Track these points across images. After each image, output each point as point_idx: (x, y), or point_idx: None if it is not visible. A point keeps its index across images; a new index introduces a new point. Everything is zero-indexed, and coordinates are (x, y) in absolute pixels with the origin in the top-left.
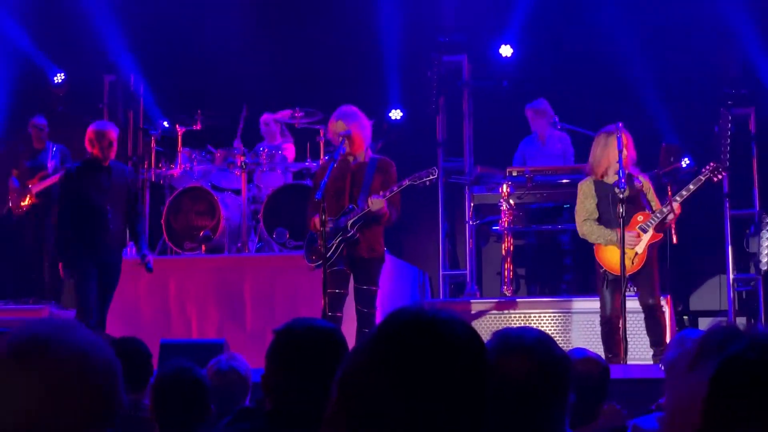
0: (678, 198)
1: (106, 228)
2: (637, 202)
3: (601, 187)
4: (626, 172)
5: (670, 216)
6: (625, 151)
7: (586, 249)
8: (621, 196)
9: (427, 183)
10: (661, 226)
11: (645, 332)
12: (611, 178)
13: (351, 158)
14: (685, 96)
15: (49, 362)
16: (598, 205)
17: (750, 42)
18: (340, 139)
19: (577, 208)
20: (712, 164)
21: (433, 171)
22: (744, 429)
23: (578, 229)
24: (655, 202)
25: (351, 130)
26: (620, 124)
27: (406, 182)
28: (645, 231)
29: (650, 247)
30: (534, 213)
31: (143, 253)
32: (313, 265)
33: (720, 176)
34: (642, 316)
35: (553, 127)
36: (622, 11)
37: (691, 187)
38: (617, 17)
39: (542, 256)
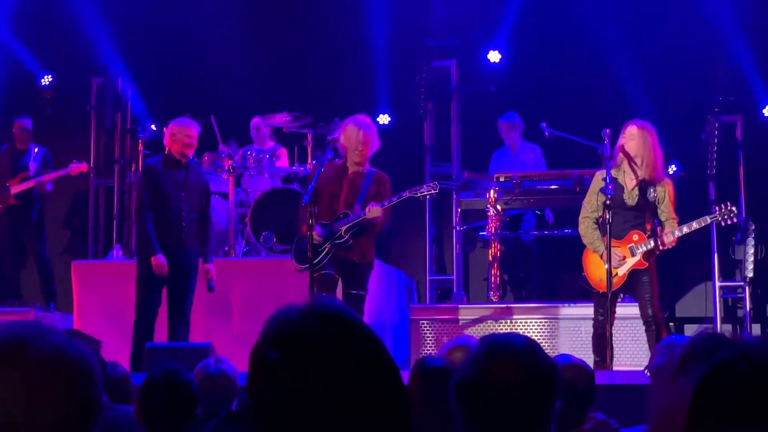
0: (678, 233)
1: (180, 228)
2: (641, 214)
3: (614, 184)
4: (640, 176)
5: (661, 246)
6: (631, 143)
7: (574, 255)
8: (607, 202)
9: (427, 196)
10: (650, 254)
11: (631, 340)
12: (626, 181)
13: (353, 166)
14: (673, 103)
15: (26, 362)
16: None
17: (737, 49)
18: (330, 144)
19: (585, 199)
20: (726, 205)
21: (435, 186)
22: None
23: (579, 224)
24: (667, 213)
25: (365, 134)
26: (608, 131)
27: (406, 194)
28: (633, 254)
29: (647, 255)
30: (521, 218)
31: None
32: (301, 266)
33: (732, 221)
34: (628, 323)
35: (542, 133)
36: (611, 18)
37: (695, 225)
38: (605, 24)
39: (528, 262)
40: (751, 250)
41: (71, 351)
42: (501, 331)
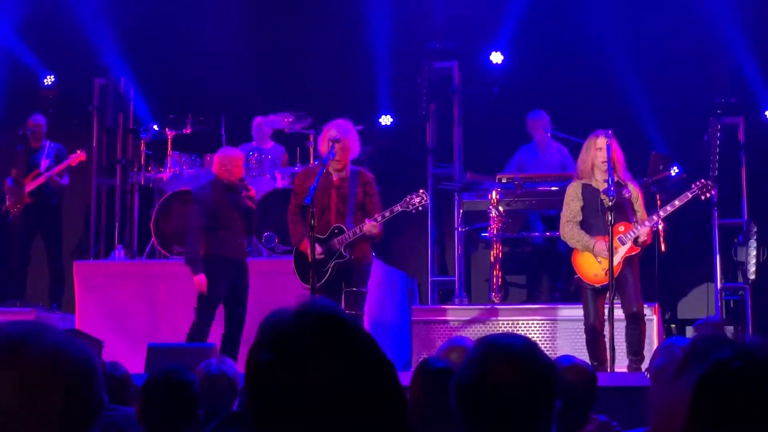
0: (662, 213)
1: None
2: (622, 212)
3: (588, 190)
4: (615, 178)
5: (643, 237)
6: (602, 152)
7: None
8: (610, 204)
9: (420, 208)
10: (638, 241)
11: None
12: (600, 183)
13: (336, 172)
14: (675, 105)
15: (26, 362)
16: (583, 209)
17: (739, 51)
18: (330, 143)
19: (563, 209)
20: (701, 181)
21: (425, 195)
22: None
23: (560, 230)
24: (641, 213)
25: (344, 139)
26: (610, 132)
27: (398, 208)
28: (623, 243)
29: (631, 257)
30: (523, 220)
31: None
32: (309, 286)
33: (709, 194)
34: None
35: (544, 135)
36: (613, 19)
37: (677, 203)
38: (608, 25)
39: (531, 263)
40: (753, 252)
41: (71, 351)
42: (500, 332)
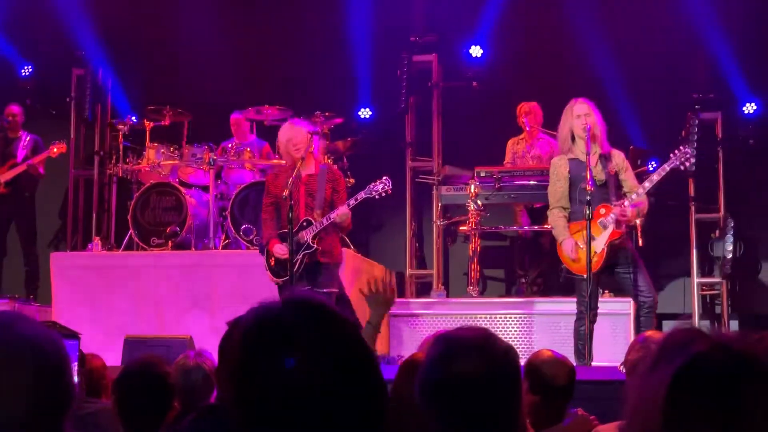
0: (641, 190)
1: None
2: (607, 188)
3: (575, 166)
4: (596, 148)
5: (622, 218)
6: (592, 117)
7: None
8: (588, 197)
9: (383, 194)
10: (621, 223)
11: (611, 335)
12: (583, 155)
13: (304, 170)
14: (653, 100)
15: None
16: (570, 187)
17: (717, 47)
18: (311, 136)
19: (550, 187)
20: (680, 148)
21: (388, 182)
22: (703, 429)
23: (549, 212)
24: (628, 183)
25: (312, 140)
26: (585, 108)
27: (362, 195)
28: (605, 227)
29: (619, 224)
30: (505, 212)
31: None
32: (279, 280)
33: (688, 163)
34: (608, 319)
35: (521, 128)
36: (592, 14)
37: (655, 177)
38: (586, 20)
39: (510, 257)
40: (730, 247)
41: (40, 342)
42: (456, 326)
